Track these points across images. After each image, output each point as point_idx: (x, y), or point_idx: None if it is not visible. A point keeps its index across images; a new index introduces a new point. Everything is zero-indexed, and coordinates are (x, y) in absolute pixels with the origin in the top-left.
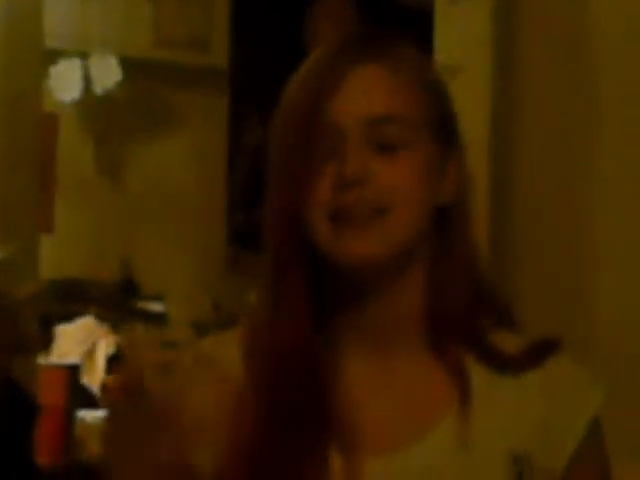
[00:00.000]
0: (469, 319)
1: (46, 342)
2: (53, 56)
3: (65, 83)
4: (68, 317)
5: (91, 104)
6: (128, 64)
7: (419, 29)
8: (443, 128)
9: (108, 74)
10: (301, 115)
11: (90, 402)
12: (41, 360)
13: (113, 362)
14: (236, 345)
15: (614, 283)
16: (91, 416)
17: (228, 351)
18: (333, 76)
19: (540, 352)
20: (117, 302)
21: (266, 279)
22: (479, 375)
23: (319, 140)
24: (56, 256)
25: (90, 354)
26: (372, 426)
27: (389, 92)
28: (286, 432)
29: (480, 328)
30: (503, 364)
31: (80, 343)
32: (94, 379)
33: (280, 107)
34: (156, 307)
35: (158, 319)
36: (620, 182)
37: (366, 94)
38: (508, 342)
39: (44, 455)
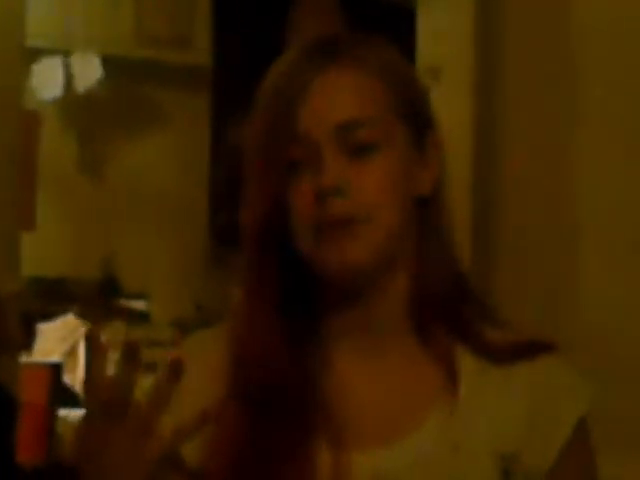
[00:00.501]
0: (452, 306)
1: (28, 340)
2: (35, 54)
3: (47, 81)
4: (50, 315)
5: (73, 102)
6: (110, 62)
7: (403, 27)
8: (416, 118)
9: (90, 72)
10: (270, 127)
11: (72, 401)
12: (23, 358)
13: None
14: (220, 342)
15: (598, 281)
16: (73, 415)
17: (213, 348)
18: (298, 85)
19: (529, 348)
20: (99, 300)
21: (244, 280)
22: (468, 367)
23: (291, 152)
24: (38, 254)
25: (72, 352)
26: (360, 421)
27: (354, 95)
28: (273, 427)
29: (465, 318)
30: (490, 354)
31: (62, 341)
32: (76, 377)
33: (253, 112)
34: (138, 305)
35: (140, 317)
36: (603, 177)
37: (332, 101)
38: (494, 335)
39: (25, 453)
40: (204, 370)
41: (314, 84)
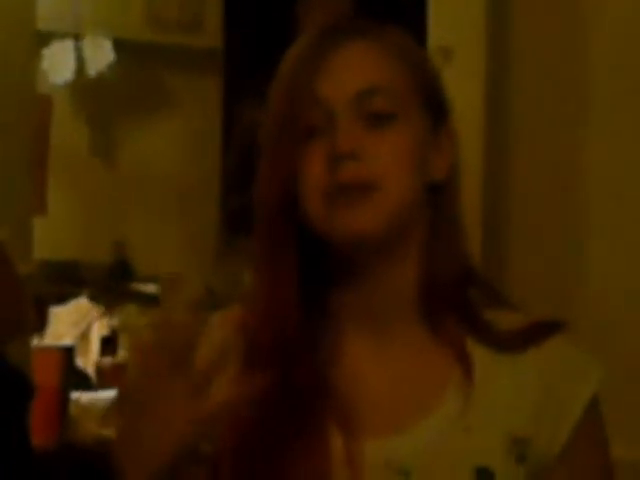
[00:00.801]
0: (462, 294)
1: (40, 324)
2: (46, 38)
3: (58, 65)
4: (62, 299)
5: (84, 86)
6: (121, 46)
7: (413, 14)
8: (432, 102)
9: (101, 56)
10: (289, 94)
11: (84, 383)
12: (35, 342)
13: (107, 343)
14: (231, 325)
15: (608, 270)
16: (85, 397)
17: (223, 331)
18: (319, 54)
19: (538, 331)
20: (111, 284)
21: (257, 259)
22: (478, 353)
23: (309, 118)
24: (50, 238)
25: (84, 336)
26: (371, 407)
27: (375, 65)
28: (285, 413)
29: (473, 303)
30: (499, 342)
31: (74, 325)
32: (88, 360)
33: (271, 88)
34: (150, 289)
35: (152, 301)
36: (615, 164)
37: (352, 68)
38: (504, 320)
39: (38, 436)
40: (215, 351)
41: (335, 54)
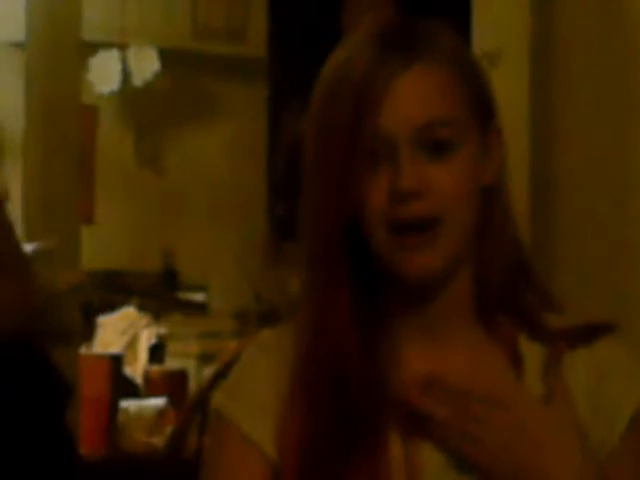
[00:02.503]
0: (516, 296)
1: (88, 333)
2: (92, 48)
3: (104, 75)
4: (110, 308)
5: (130, 96)
6: (167, 55)
7: (457, 14)
8: (482, 108)
9: (147, 65)
10: (346, 122)
11: (132, 392)
12: (83, 350)
13: (155, 352)
14: (286, 340)
15: None
16: (134, 405)
17: (284, 342)
18: (377, 84)
19: (589, 331)
20: (158, 292)
21: (313, 269)
22: (532, 354)
23: (367, 147)
24: (97, 247)
25: (132, 344)
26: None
27: (435, 94)
28: (344, 419)
29: (529, 307)
30: (551, 339)
31: (122, 333)
32: (136, 369)
33: (317, 103)
34: (197, 297)
35: (199, 309)
36: None
37: (413, 101)
38: (555, 320)
39: (88, 445)
40: (272, 365)
41: (394, 83)
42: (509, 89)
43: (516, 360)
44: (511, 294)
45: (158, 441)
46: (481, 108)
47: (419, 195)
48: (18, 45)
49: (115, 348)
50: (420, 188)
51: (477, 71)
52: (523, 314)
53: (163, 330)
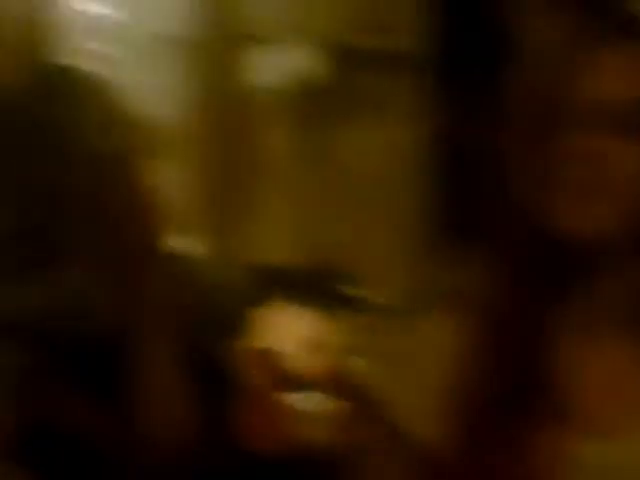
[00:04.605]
0: None
1: (248, 327)
2: (254, 42)
3: (264, 70)
4: (268, 302)
5: (290, 90)
6: (329, 50)
7: None
8: None
9: (307, 60)
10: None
11: (293, 387)
12: (244, 344)
13: (314, 347)
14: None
15: None
16: (296, 400)
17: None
18: None
19: None
20: (316, 287)
21: (503, 272)
22: None
23: None
24: (258, 242)
25: (292, 339)
26: (588, 410)
27: None
28: (508, 417)
29: None
30: None
31: (281, 328)
32: (296, 363)
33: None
34: (357, 292)
35: (359, 304)
36: None
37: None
38: None
39: (257, 441)
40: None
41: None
42: None
43: None
44: None
45: (319, 436)
46: None
47: None
48: (180, 40)
49: (275, 342)
50: None
51: None
52: None
53: (323, 324)
